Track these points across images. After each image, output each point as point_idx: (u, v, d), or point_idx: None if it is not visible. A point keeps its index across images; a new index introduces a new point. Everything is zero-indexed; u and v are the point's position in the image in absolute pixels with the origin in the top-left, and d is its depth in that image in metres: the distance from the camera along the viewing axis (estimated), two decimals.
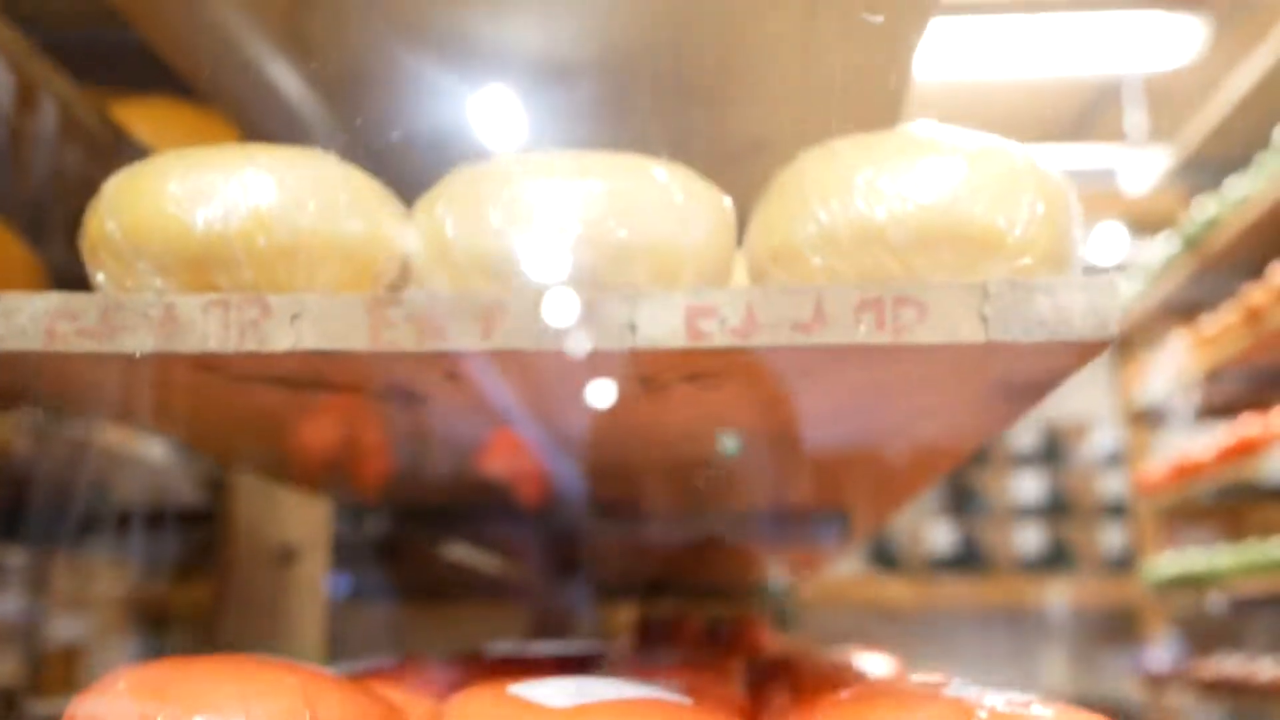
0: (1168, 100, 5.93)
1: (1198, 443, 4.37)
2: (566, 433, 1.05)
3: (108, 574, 1.97)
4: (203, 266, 0.79)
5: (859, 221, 0.78)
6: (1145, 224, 5.67)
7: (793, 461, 1.25)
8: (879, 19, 1.12)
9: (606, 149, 0.83)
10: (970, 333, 0.76)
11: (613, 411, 0.95)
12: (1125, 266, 5.54)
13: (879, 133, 0.84)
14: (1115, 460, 6.78)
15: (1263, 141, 3.80)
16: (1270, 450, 3.77)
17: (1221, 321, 4.10)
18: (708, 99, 1.32)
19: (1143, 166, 5.24)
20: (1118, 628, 6.28)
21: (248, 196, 0.78)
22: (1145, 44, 5.36)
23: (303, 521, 1.76)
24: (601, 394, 0.89)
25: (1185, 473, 4.38)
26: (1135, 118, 5.66)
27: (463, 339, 0.77)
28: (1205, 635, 5.93)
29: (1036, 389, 0.89)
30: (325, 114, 1.30)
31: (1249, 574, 3.94)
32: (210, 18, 1.13)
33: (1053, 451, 7.04)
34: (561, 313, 0.77)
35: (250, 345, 0.78)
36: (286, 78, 1.24)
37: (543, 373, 0.82)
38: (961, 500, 7.04)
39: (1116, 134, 5.92)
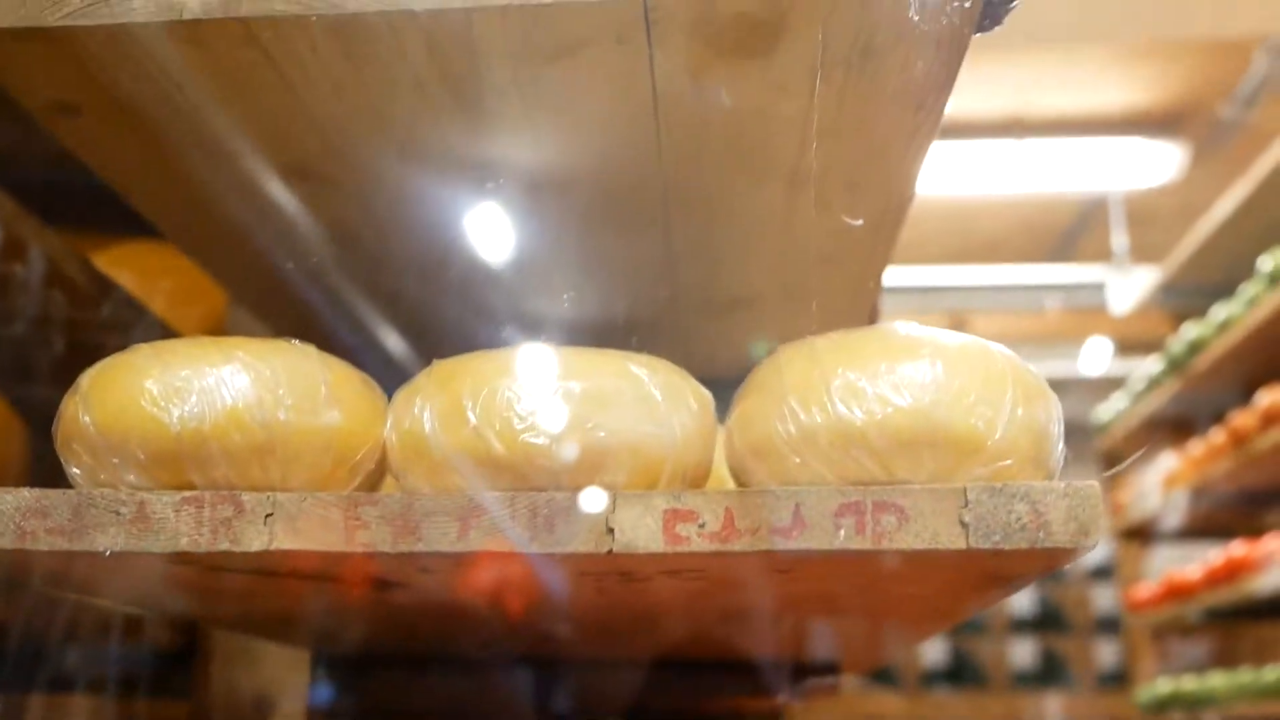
0: (1152, 220, 6.01)
1: (1188, 563, 4.34)
2: (545, 609, 1.04)
3: (82, 715, 1.93)
4: (177, 463, 0.78)
5: (838, 424, 0.78)
6: (1132, 342, 5.71)
7: (776, 627, 1.23)
8: (858, 222, 1.13)
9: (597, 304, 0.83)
10: (950, 539, 0.76)
11: (592, 593, 0.94)
12: (1114, 383, 5.57)
13: (858, 330, 0.84)
14: (1107, 574, 6.74)
15: (1245, 267, 3.84)
16: (1259, 573, 3.75)
17: (1208, 443, 4.11)
18: (695, 258, 1.33)
19: (1127, 285, 5.29)
20: None
21: (223, 394, 0.78)
22: (1127, 166, 5.46)
23: (280, 669, 1.73)
24: (580, 584, 0.88)
25: (1175, 593, 4.35)
26: (1119, 237, 5.74)
27: (439, 540, 0.76)
28: None
29: (1021, 579, 0.89)
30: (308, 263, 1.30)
31: (1242, 698, 3.90)
32: (178, 168, 1.14)
33: None
34: (539, 515, 0.76)
35: (223, 545, 0.77)
36: (265, 234, 1.25)
37: (520, 569, 0.81)
38: None
39: (1103, 252, 5.99)
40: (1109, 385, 5.64)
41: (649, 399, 0.79)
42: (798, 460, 0.79)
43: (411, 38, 0.90)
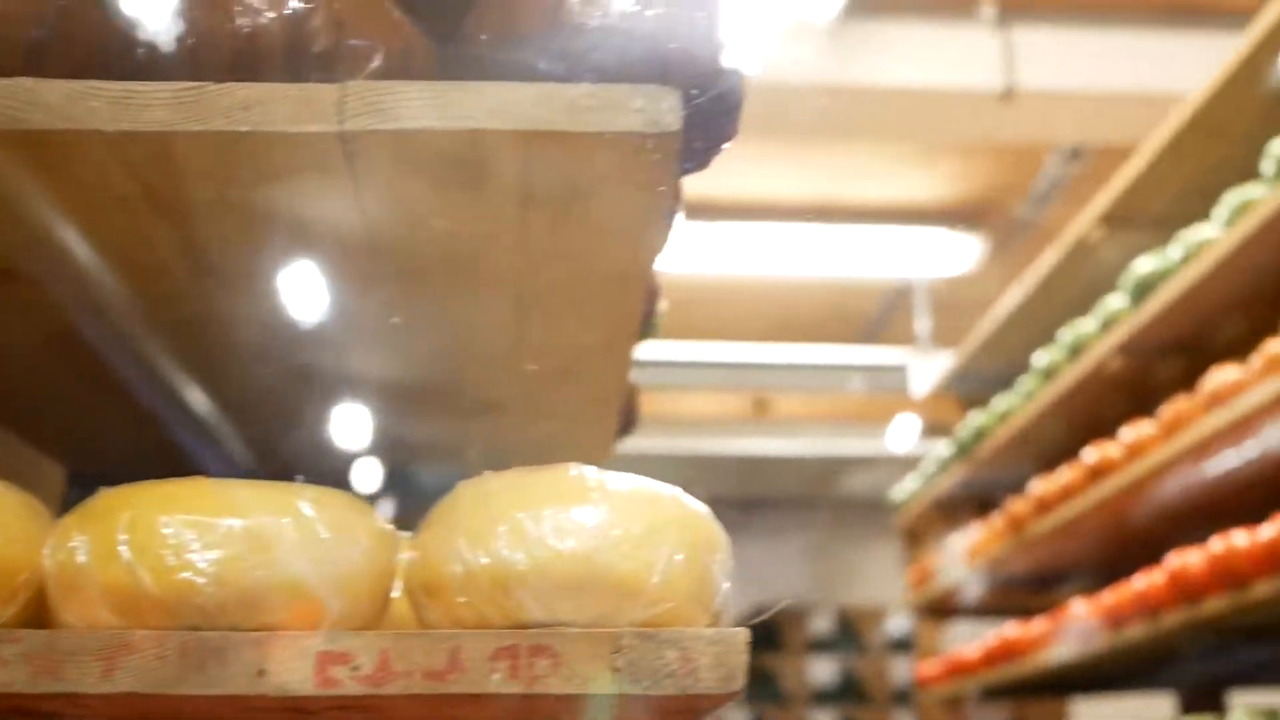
0: (955, 307, 6.26)
1: (979, 640, 4.50)
2: None
3: None
4: None
5: (502, 566, 0.79)
6: (929, 424, 5.92)
7: None
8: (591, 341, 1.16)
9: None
10: (601, 684, 0.77)
11: None
12: (915, 461, 5.75)
13: (535, 471, 0.86)
14: (906, 647, 6.93)
15: (1026, 359, 4.03)
16: (1030, 654, 3.91)
17: (990, 526, 4.28)
18: (437, 366, 1.35)
19: (928, 370, 5.49)
20: None
21: None
22: (931, 255, 5.69)
23: None
24: (252, 716, 0.87)
25: (956, 670, 4.50)
26: (922, 323, 5.97)
27: (81, 680, 0.75)
28: None
29: (681, 716, 0.91)
30: None
31: None
32: None
33: (848, 637, 7.16)
34: (190, 655, 0.76)
35: None
36: None
37: (187, 703, 0.80)
38: (756, 685, 7.05)
39: (909, 337, 6.22)
40: (912, 465, 5.84)
41: (313, 537, 0.79)
42: (464, 600, 0.80)
43: (105, 155, 0.89)
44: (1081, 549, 4.08)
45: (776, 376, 5.82)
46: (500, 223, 1.02)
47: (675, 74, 0.92)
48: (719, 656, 0.78)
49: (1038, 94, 4.30)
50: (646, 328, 2.24)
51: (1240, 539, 2.82)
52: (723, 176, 5.24)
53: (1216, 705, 3.94)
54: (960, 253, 5.69)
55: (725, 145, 1.03)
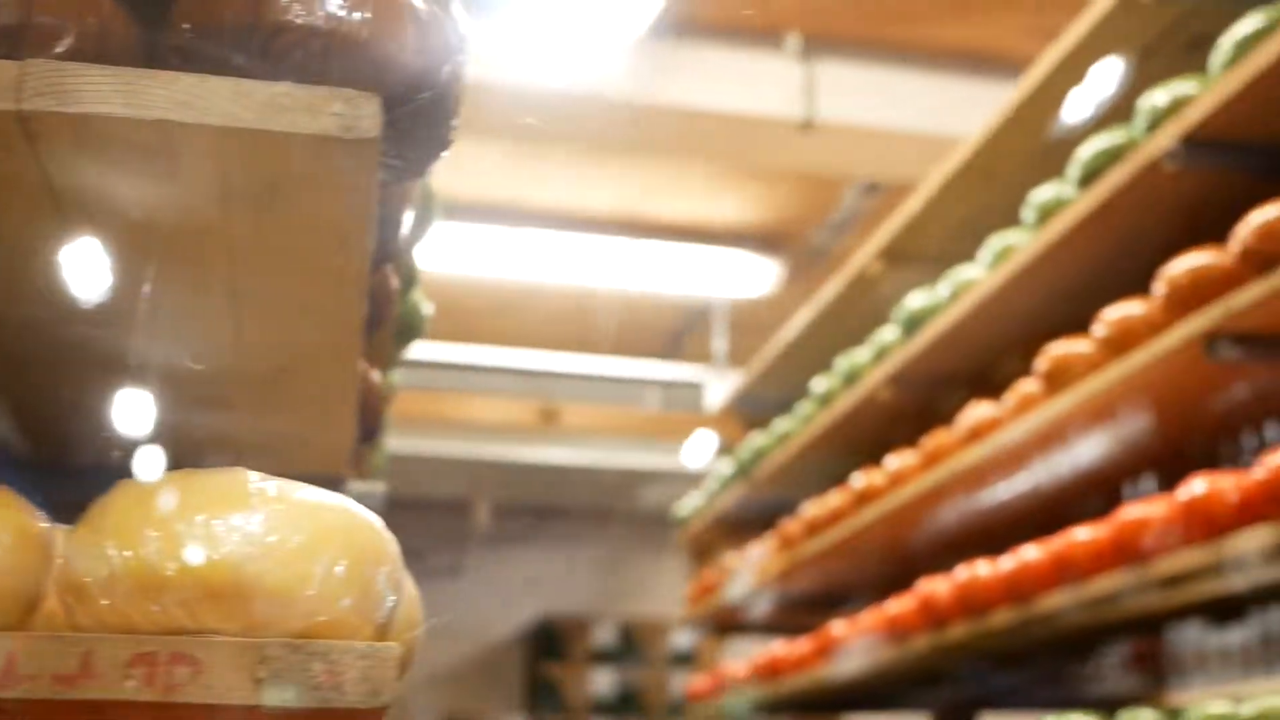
0: (752, 329, 6.40)
1: (737, 658, 4.59)
2: None
3: None
4: None
5: (146, 569, 0.77)
6: (724, 442, 6.03)
7: None
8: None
9: None
10: (243, 695, 0.76)
11: None
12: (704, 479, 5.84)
13: (201, 474, 0.84)
14: (689, 661, 7.03)
15: (806, 385, 4.15)
16: (795, 673, 4.01)
17: (766, 545, 4.38)
18: (161, 357, 1.30)
19: (722, 389, 5.58)
20: None
21: None
22: (731, 276, 5.80)
23: None
24: None
25: (724, 685, 4.58)
26: (719, 342, 6.08)
27: None
28: None
29: None
30: None
31: None
32: None
33: (631, 649, 7.22)
34: None
35: None
36: None
37: None
38: (538, 695, 7.06)
39: (706, 354, 6.32)
40: (701, 482, 5.93)
41: None
42: (107, 603, 0.78)
43: None
44: (852, 571, 4.21)
45: (570, 386, 5.85)
46: (202, 216, 0.99)
47: (382, 80, 0.91)
48: (366, 670, 0.78)
49: (836, 127, 4.43)
50: (406, 330, 2.23)
51: (983, 569, 2.96)
52: (532, 184, 5.25)
53: None
54: (759, 275, 5.82)
55: (442, 153, 1.03)
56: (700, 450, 5.77)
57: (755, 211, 5.62)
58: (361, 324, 1.24)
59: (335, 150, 0.88)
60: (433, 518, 7.35)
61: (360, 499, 0.91)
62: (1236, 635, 2.57)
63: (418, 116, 0.96)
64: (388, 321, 1.65)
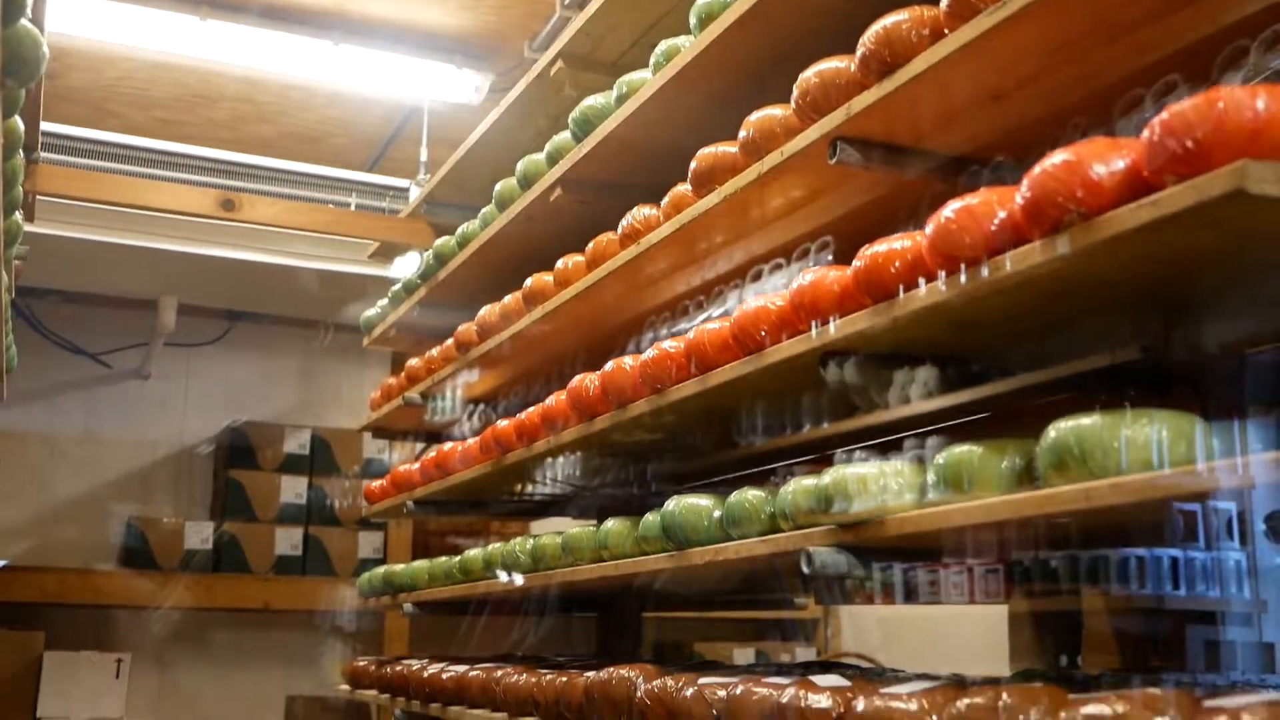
0: (459, 138, 6.32)
1: (408, 461, 4.66)
2: None
3: None
4: None
5: None
6: (420, 249, 5.98)
7: None
8: None
9: None
10: None
11: None
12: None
13: None
14: (379, 469, 7.07)
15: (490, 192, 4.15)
16: (460, 471, 4.09)
17: (444, 349, 4.41)
18: None
19: (419, 195, 5.52)
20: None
21: None
22: (438, 84, 5.70)
23: None
24: None
25: (400, 486, 4.65)
26: (424, 149, 5.99)
27: None
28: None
29: None
30: None
31: (433, 582, 4.28)
32: None
33: (322, 458, 7.19)
34: None
35: None
36: None
37: None
38: (228, 501, 6.98)
39: (412, 161, 6.22)
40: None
41: None
42: None
43: None
44: (524, 373, 4.29)
45: (257, 180, 5.66)
46: None
47: None
48: None
49: None
50: (14, 60, 2.10)
51: (627, 361, 3.06)
52: None
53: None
54: (467, 85, 5.73)
55: None
56: (393, 259, 5.72)
57: (468, 19, 5.50)
58: None
59: None
60: (119, 318, 7.05)
61: None
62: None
63: None
64: None
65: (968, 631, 4.67)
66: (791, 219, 2.78)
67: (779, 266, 2.78)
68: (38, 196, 4.93)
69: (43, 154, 4.84)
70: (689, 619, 6.97)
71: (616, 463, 3.94)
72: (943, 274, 1.97)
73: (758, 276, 2.83)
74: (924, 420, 2.43)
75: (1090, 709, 1.59)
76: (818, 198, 2.70)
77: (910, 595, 3.88)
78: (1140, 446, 1.70)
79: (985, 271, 1.88)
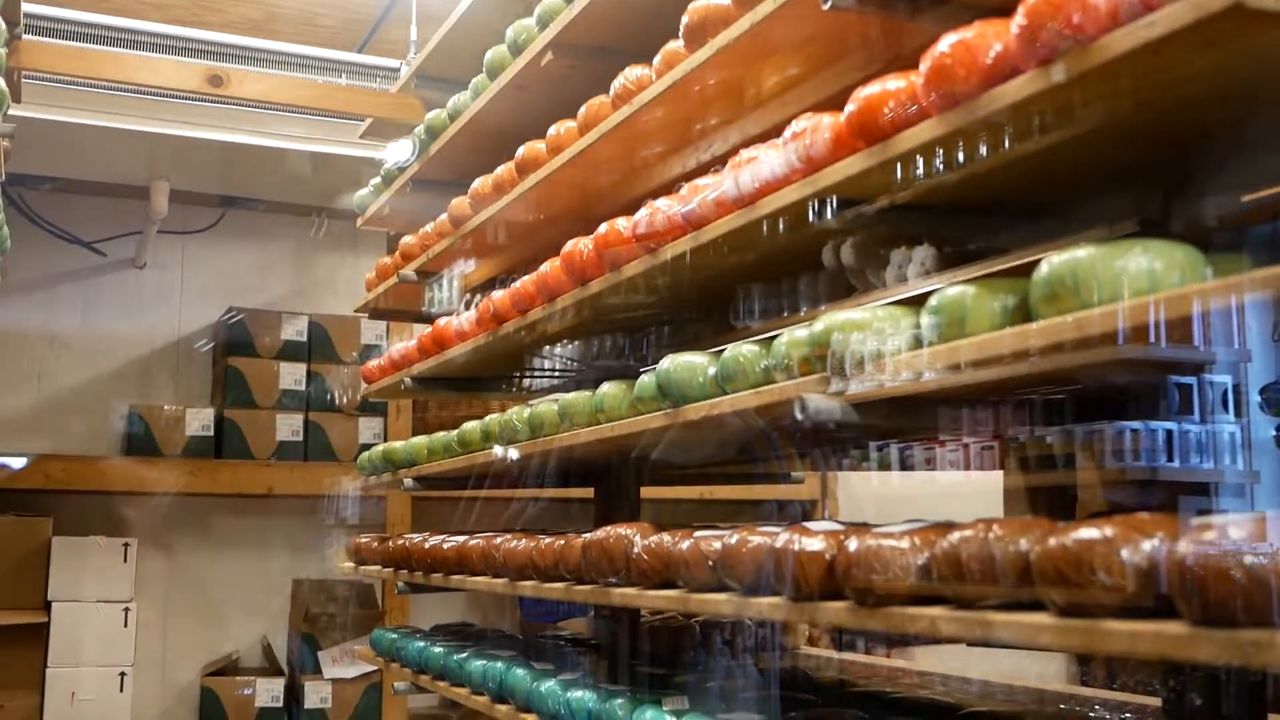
0: (447, 16, 6.20)
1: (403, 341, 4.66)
2: None
3: None
4: None
5: None
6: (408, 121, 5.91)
7: None
8: None
9: None
10: None
11: None
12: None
13: None
14: (380, 353, 7.06)
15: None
16: (457, 346, 4.09)
17: (438, 225, 4.38)
18: None
19: (409, 71, 5.43)
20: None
21: None
22: None
23: None
24: None
25: (398, 365, 4.65)
26: (414, 29, 5.89)
27: None
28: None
29: None
30: None
31: (432, 457, 4.30)
32: None
33: (320, 344, 7.20)
34: None
35: None
36: None
37: None
38: (227, 388, 6.99)
39: (403, 44, 6.12)
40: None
41: None
42: None
43: None
44: (518, 245, 4.26)
45: (249, 64, 5.57)
46: None
47: None
48: None
49: None
50: None
51: (622, 224, 3.04)
52: None
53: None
54: None
55: None
56: (386, 140, 5.65)
57: None
58: None
59: None
60: (112, 206, 7.01)
61: None
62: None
63: None
64: None
65: (964, 512, 4.71)
66: (786, 98, 2.75)
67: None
68: (24, 75, 4.86)
69: (29, 36, 4.76)
70: (686, 502, 7.04)
71: (612, 339, 3.94)
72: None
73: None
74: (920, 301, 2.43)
75: (1080, 532, 1.60)
76: (815, 67, 2.66)
77: (906, 465, 3.90)
78: (1136, 276, 1.69)
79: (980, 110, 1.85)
